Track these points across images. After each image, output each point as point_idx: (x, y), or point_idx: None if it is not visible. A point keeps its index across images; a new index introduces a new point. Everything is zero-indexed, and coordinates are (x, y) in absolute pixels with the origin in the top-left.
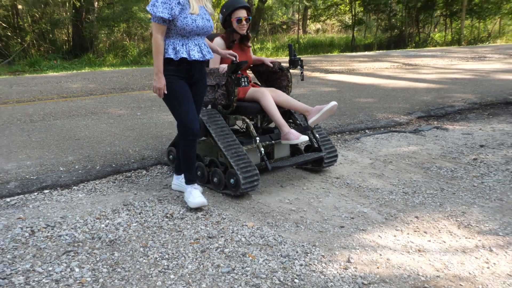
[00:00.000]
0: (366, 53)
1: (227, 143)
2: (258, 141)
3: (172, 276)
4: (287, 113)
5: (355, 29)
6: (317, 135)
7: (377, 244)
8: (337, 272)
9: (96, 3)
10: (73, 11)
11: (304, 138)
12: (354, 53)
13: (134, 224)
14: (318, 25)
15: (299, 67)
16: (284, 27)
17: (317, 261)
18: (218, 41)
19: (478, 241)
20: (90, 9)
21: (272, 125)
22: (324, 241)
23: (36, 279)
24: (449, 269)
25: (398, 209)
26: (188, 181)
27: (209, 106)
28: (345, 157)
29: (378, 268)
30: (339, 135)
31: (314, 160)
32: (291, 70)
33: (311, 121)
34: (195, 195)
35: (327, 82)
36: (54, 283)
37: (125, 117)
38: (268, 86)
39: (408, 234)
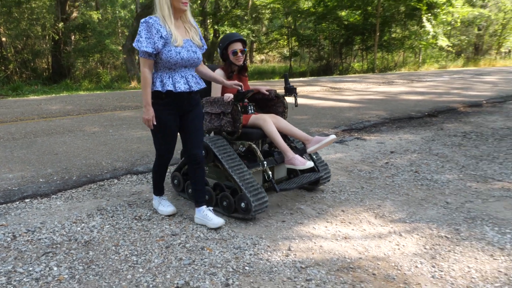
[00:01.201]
0: (301, 79)
1: (236, 168)
2: (265, 165)
3: (140, 270)
4: (283, 136)
5: (292, 59)
6: (314, 157)
7: (312, 234)
8: (280, 259)
9: (73, 36)
10: (52, 43)
11: (310, 164)
12: (291, 79)
13: (107, 226)
14: (262, 56)
15: (294, 94)
16: None
17: (264, 251)
18: (219, 72)
19: (391, 228)
20: (67, 42)
21: (265, 146)
22: (269, 234)
23: (17, 278)
24: (369, 251)
25: (328, 205)
26: (157, 193)
27: (212, 133)
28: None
29: (313, 254)
30: None
31: (315, 180)
32: (286, 98)
33: (309, 150)
34: (165, 204)
35: None
36: (34, 282)
37: (98, 134)
38: (265, 112)
39: (336, 225)
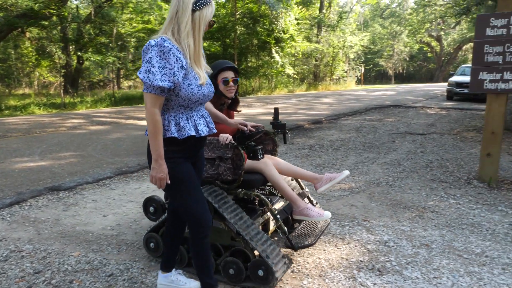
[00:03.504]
0: None
1: (248, 228)
2: (279, 219)
3: None
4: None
5: None
6: (312, 198)
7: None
8: (155, 279)
9: None
10: None
11: (328, 214)
12: None
13: None
14: (130, 82)
15: (283, 131)
16: (101, 84)
17: (138, 273)
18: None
19: None
20: None
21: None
22: (143, 256)
23: None
24: None
25: None
26: (168, 268)
27: None
28: None
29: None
30: None
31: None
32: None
33: (320, 189)
34: (185, 280)
35: (139, 127)
36: None
37: None
38: None
39: None
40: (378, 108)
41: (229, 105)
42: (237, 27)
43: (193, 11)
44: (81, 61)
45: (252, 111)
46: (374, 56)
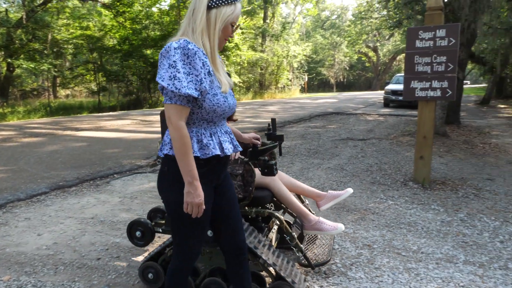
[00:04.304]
0: (111, 113)
1: (267, 250)
2: (295, 237)
3: None
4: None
5: (101, 94)
6: (312, 211)
7: (129, 266)
8: None
9: None
10: None
11: (342, 227)
12: (101, 114)
13: None
14: (68, 91)
15: (279, 143)
16: (35, 93)
17: None
18: None
19: None
20: None
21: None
22: (83, 275)
23: None
24: None
25: None
26: None
27: None
28: (98, 199)
29: (133, 285)
30: (91, 182)
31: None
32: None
33: (323, 207)
34: None
35: (78, 138)
36: None
37: None
38: None
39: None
40: (321, 116)
41: None
42: None
43: (209, 7)
44: (11, 68)
45: None
46: (317, 65)
